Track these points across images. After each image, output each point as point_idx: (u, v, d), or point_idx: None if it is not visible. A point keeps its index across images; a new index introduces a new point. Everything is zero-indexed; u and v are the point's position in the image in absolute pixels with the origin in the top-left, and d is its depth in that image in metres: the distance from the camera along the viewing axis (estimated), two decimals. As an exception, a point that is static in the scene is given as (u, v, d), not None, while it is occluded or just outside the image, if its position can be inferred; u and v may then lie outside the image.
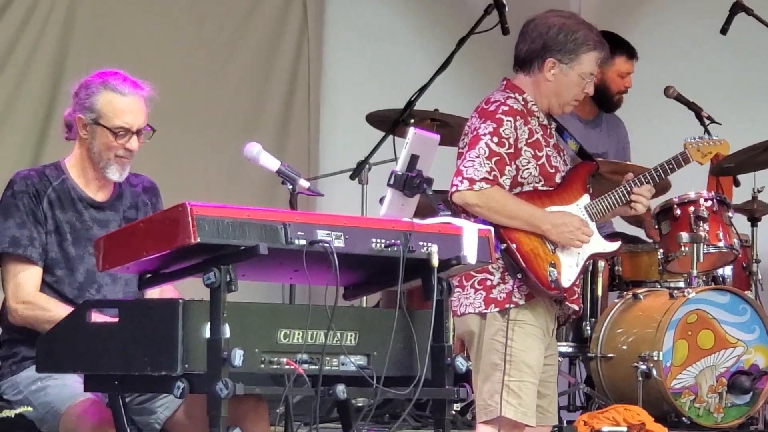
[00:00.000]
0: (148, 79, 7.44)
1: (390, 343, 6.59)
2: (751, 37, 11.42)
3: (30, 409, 6.90)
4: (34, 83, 11.39)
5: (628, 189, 8.50)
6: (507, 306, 7.99)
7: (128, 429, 6.36)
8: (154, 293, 7.16)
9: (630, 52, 11.45)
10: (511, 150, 8.01)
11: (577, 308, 8.63)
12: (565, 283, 8.12)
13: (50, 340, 6.72)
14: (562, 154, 8.32)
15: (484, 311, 8.01)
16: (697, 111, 10.77)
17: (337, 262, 6.40)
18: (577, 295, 8.53)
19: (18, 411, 6.66)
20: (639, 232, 11.58)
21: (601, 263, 10.63)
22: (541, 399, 8.11)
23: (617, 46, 10.95)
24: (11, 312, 7.19)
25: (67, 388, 6.87)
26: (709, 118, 10.68)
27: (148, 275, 6.62)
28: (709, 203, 10.65)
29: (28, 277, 7.22)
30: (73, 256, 7.32)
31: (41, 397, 7.04)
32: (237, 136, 9.35)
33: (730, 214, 10.88)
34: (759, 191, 11.26)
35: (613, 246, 8.53)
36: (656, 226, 10.90)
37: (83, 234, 7.33)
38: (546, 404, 8.22)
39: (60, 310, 6.89)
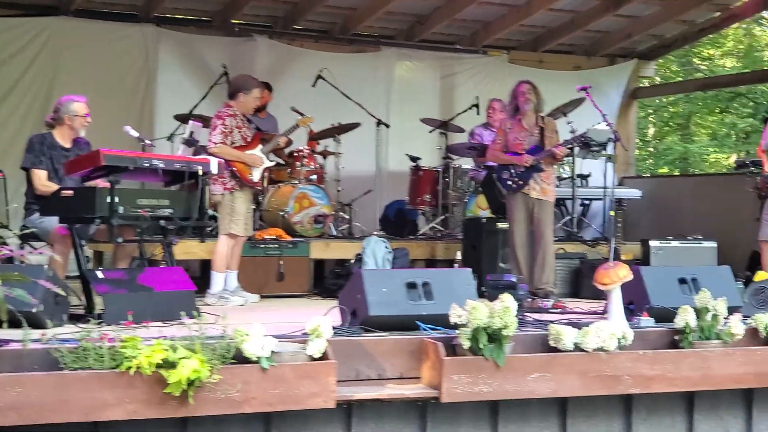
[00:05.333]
0: (90, 97, 7.37)
1: (182, 204, 6.77)
2: (327, 89, 10.74)
3: (35, 230, 6.61)
4: (37, 98, 10.62)
5: (276, 142, 8.49)
6: (233, 190, 7.87)
7: (77, 238, 6.50)
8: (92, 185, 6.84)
9: (269, 87, 10.50)
10: (231, 130, 7.89)
11: (260, 188, 8.79)
12: (256, 179, 8.02)
13: (46, 201, 6.73)
14: (250, 130, 8.15)
15: (223, 192, 7.85)
16: (300, 113, 9.69)
17: (161, 172, 6.71)
18: (260, 186, 8.52)
19: (28, 231, 6.39)
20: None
21: (266, 172, 9.17)
22: (245, 226, 8.00)
23: (266, 86, 10.04)
24: (37, 190, 6.96)
25: (53, 221, 6.73)
26: (302, 113, 9.69)
27: (86, 178, 6.77)
28: (308, 150, 10.07)
29: (42, 176, 6.98)
30: (56, 169, 7.02)
31: (41, 224, 6.81)
32: (121, 122, 8.88)
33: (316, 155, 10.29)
34: (327, 148, 10.47)
35: (271, 163, 8.35)
36: (288, 157, 10.06)
37: (58, 161, 7.03)
38: (249, 227, 8.12)
39: (56, 188, 6.77)
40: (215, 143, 7.87)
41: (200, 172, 6.82)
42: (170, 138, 10.11)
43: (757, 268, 8.01)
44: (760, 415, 6.01)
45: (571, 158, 10.58)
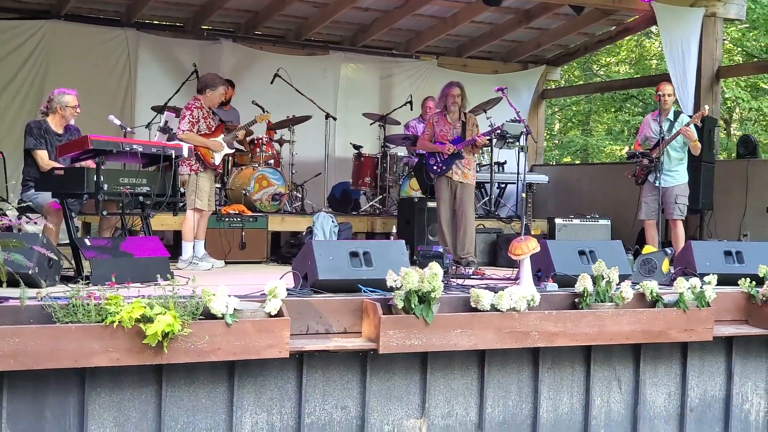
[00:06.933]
0: (78, 91, 7.15)
1: (158, 183, 6.64)
2: (283, 86, 10.56)
3: (31, 203, 6.70)
4: (31, 91, 10.59)
5: (236, 134, 8.35)
6: (197, 171, 7.76)
7: (68, 211, 6.36)
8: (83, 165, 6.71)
9: (232, 84, 10.48)
10: (197, 120, 7.78)
11: (221, 171, 9.08)
12: (217, 162, 7.88)
13: (41, 179, 6.66)
14: (215, 121, 7.99)
15: (190, 173, 7.73)
16: (260, 107, 9.77)
17: (140, 156, 6.57)
18: (221, 168, 8.66)
19: (25, 204, 6.43)
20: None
21: (230, 157, 9.65)
22: (209, 202, 7.88)
23: (230, 83, 10.14)
24: (42, 169, 6.79)
25: (47, 196, 6.65)
26: (261, 107, 9.72)
27: (75, 159, 6.63)
28: (266, 138, 9.94)
29: (44, 156, 6.85)
30: (50, 151, 6.86)
31: (36, 199, 6.79)
32: (105, 112, 8.76)
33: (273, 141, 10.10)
34: (282, 137, 10.43)
35: (230, 150, 8.19)
36: (249, 144, 9.83)
37: (52, 144, 6.88)
38: (211, 203, 7.97)
39: (57, 165, 6.65)
40: (183, 130, 7.77)
41: (173, 156, 6.74)
42: (148, 126, 10.00)
43: (644, 243, 8.24)
44: (645, 366, 6.13)
45: (489, 148, 10.52)
